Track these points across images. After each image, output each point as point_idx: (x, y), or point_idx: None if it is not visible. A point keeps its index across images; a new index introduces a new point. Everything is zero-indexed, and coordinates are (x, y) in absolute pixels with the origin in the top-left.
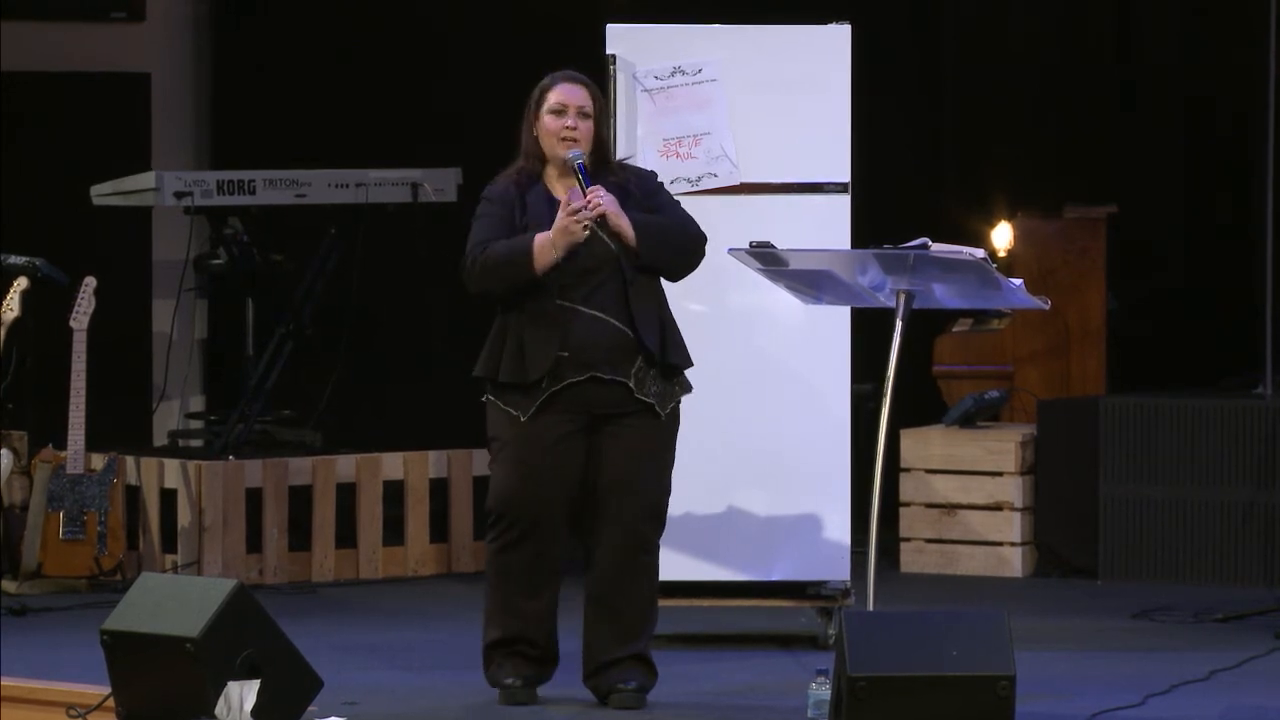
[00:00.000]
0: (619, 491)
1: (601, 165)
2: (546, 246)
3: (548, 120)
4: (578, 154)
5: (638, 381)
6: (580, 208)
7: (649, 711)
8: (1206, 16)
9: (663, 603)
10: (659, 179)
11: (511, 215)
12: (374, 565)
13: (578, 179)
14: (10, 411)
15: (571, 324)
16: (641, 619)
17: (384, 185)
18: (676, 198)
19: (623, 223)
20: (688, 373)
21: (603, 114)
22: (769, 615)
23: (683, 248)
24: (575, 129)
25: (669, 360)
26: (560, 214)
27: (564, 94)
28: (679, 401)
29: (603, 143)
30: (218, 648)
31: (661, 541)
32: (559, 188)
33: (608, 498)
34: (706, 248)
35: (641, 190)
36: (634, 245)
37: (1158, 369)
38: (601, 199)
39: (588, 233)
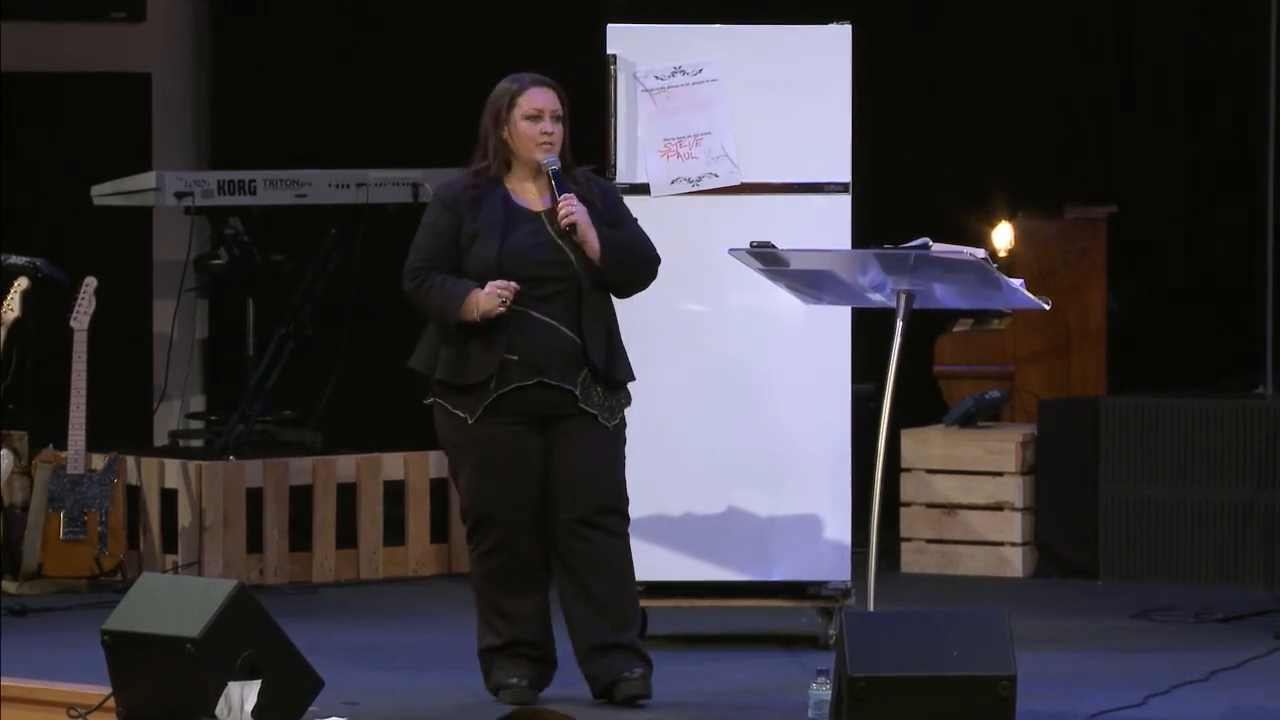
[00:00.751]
0: (577, 484)
1: (565, 170)
2: (472, 309)
3: (524, 125)
4: (553, 160)
5: (583, 391)
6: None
7: (650, 711)
8: (1206, 16)
9: (663, 603)
10: (619, 194)
11: (458, 225)
12: (374, 565)
13: (550, 185)
14: (11, 412)
15: (522, 328)
16: (626, 608)
17: (384, 185)
18: (675, 196)
19: (591, 235)
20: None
21: (568, 117)
22: (769, 615)
23: (641, 267)
24: (552, 134)
25: (614, 375)
26: (489, 286)
27: (539, 99)
28: (624, 414)
29: (566, 147)
30: (218, 648)
31: (663, 541)
32: (527, 191)
33: (567, 490)
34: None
35: (604, 203)
36: (597, 259)
37: (1158, 369)
38: (574, 208)
39: (503, 309)
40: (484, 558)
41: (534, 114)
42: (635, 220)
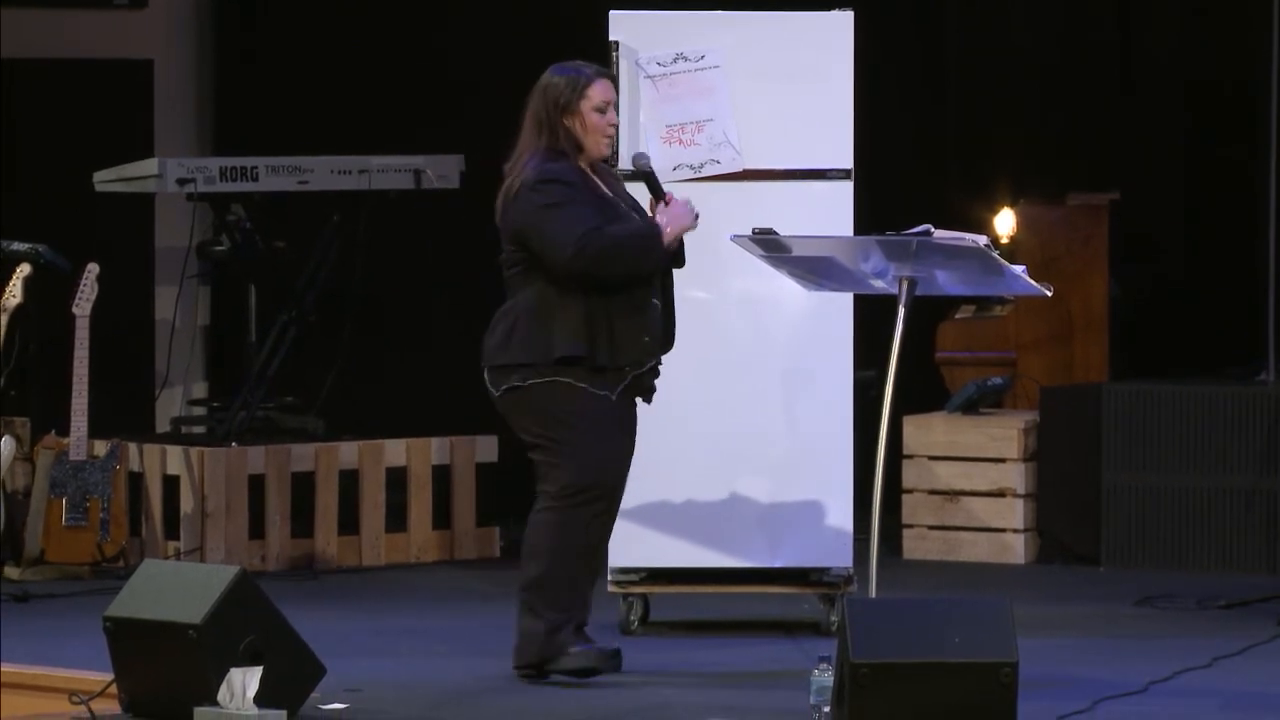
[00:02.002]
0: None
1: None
2: (671, 235)
3: (594, 118)
4: (647, 157)
5: None
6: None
7: (653, 692)
8: (1206, 16)
9: (666, 589)
10: None
11: (599, 203)
12: (376, 552)
13: (650, 181)
14: (13, 398)
15: (649, 309)
16: None
17: (386, 172)
18: (681, 183)
19: None
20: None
21: None
22: (772, 602)
23: None
24: (615, 126)
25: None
26: (680, 204)
27: (606, 91)
28: None
29: None
30: (220, 634)
31: (665, 528)
32: (596, 177)
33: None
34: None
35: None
36: (677, 245)
37: (1160, 356)
38: (679, 199)
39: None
40: (590, 525)
41: (602, 106)
42: None
